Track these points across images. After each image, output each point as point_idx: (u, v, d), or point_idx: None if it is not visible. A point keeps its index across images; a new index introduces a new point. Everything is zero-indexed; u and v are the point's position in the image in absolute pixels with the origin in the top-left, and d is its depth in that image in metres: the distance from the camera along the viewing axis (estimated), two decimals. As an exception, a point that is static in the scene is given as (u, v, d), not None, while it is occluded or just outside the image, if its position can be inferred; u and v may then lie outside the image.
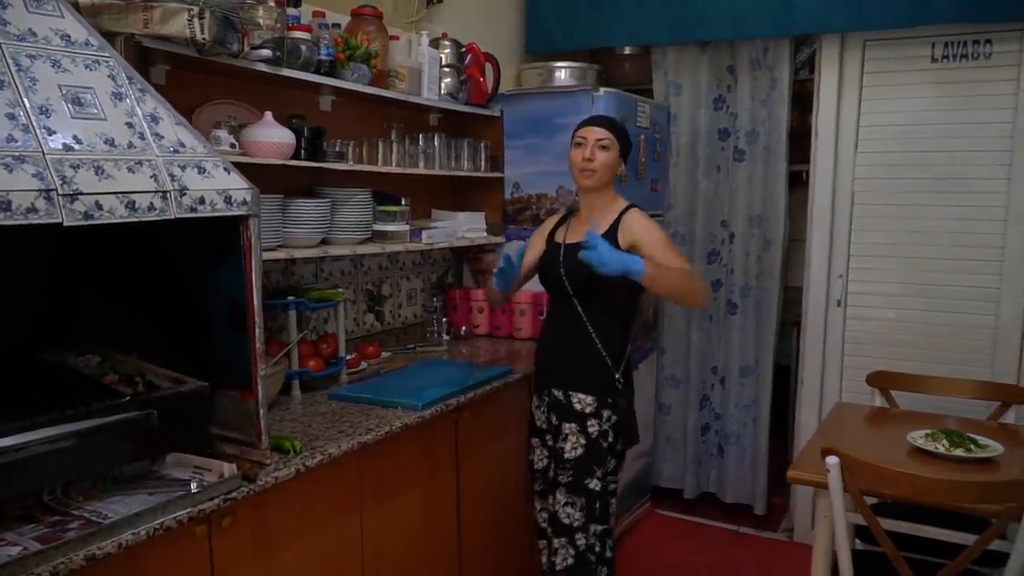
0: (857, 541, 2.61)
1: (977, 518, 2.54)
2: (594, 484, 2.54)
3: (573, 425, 2.55)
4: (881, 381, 3.10)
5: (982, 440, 2.42)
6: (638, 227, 2.57)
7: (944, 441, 2.41)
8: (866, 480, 2.14)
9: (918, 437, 2.47)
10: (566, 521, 2.55)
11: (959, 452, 2.36)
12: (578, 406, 2.55)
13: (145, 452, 1.85)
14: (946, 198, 3.52)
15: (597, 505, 2.55)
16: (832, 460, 2.16)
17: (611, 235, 2.56)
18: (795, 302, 4.16)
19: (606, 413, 2.55)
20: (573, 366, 2.59)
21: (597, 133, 2.59)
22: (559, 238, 2.72)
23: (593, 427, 2.54)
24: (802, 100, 4.17)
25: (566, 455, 2.55)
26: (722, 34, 3.77)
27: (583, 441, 2.54)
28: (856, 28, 3.49)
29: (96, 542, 1.52)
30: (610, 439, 2.56)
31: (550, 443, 2.68)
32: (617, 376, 2.57)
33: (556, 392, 2.62)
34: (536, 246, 2.80)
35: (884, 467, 2.10)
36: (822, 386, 3.85)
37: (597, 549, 2.57)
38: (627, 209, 2.63)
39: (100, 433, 1.69)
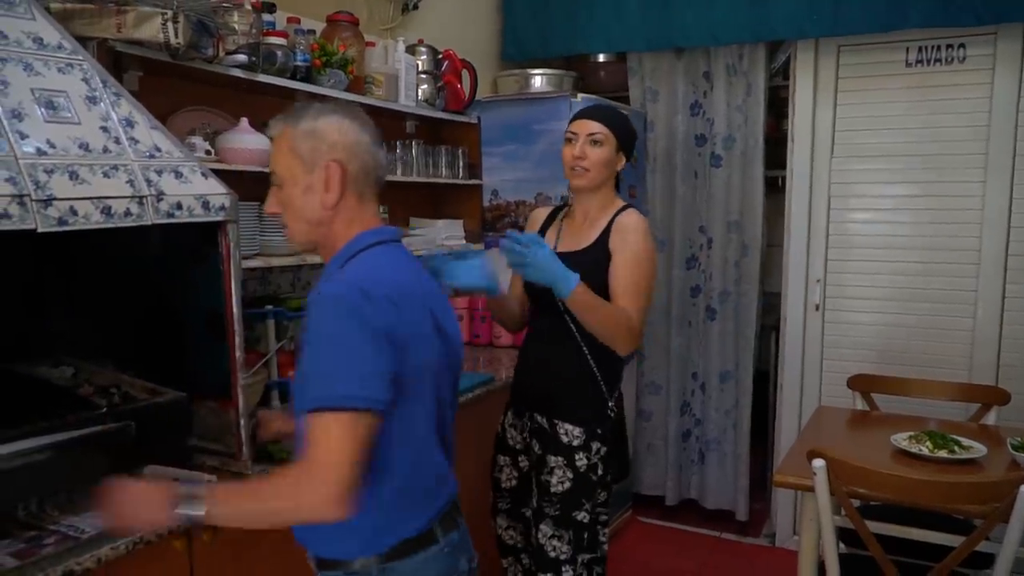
0: (841, 545, 2.60)
1: (959, 520, 2.55)
2: (582, 516, 2.32)
3: (559, 459, 2.30)
4: (862, 384, 3.11)
5: (965, 441, 2.43)
6: (625, 241, 2.27)
7: (928, 443, 2.41)
8: (852, 482, 2.13)
9: (901, 439, 2.47)
10: (552, 554, 2.33)
11: (943, 454, 2.36)
12: (565, 438, 2.30)
13: (123, 465, 1.80)
14: (922, 202, 3.55)
15: (585, 536, 2.34)
16: (818, 463, 2.15)
17: (603, 243, 2.30)
18: (773, 307, 4.17)
19: (595, 445, 2.30)
20: (562, 391, 2.32)
21: (589, 127, 2.30)
22: (549, 241, 2.40)
23: (581, 461, 2.29)
24: (776, 106, 4.19)
25: (552, 488, 2.31)
26: (699, 40, 3.77)
27: (570, 475, 2.29)
28: (831, 34, 3.50)
29: (74, 557, 1.48)
30: (600, 472, 2.32)
31: (523, 463, 2.46)
32: (610, 404, 2.34)
33: (539, 418, 2.36)
34: None
35: (870, 469, 2.10)
36: (801, 391, 3.85)
37: None
38: (621, 210, 2.35)
39: (77, 446, 1.65)
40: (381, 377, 1.33)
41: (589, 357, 2.30)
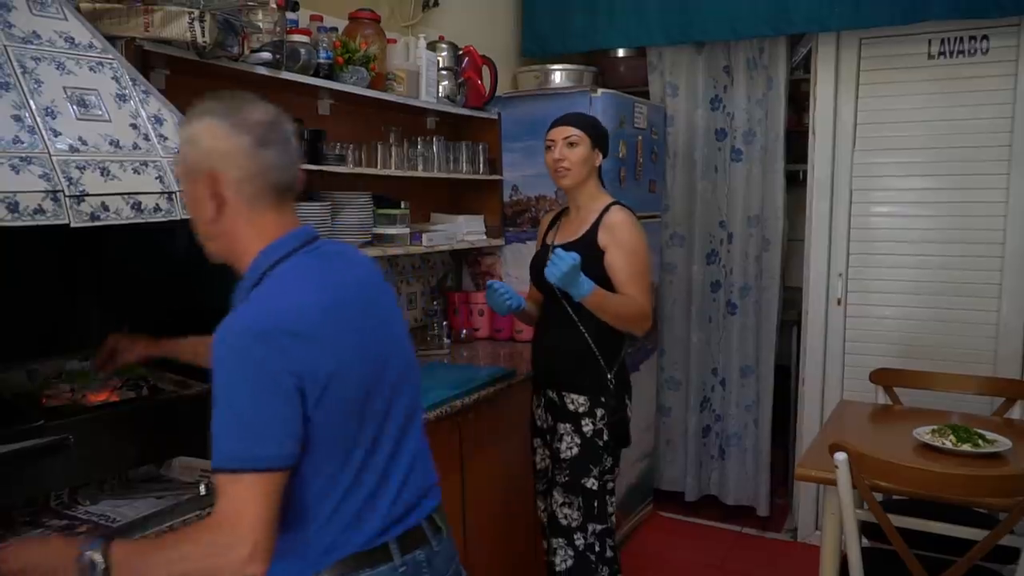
0: (863, 539, 2.60)
1: (983, 514, 2.54)
2: (591, 483, 2.55)
3: (568, 425, 2.56)
4: (884, 378, 3.09)
5: (989, 435, 2.42)
6: (614, 238, 2.53)
7: (951, 436, 2.40)
8: (875, 476, 2.13)
9: (925, 433, 2.46)
10: (564, 522, 2.58)
11: (966, 447, 2.35)
12: (571, 406, 2.56)
13: (148, 457, 1.84)
14: (945, 195, 3.53)
15: (595, 504, 2.56)
16: (840, 456, 2.15)
17: (592, 235, 2.54)
18: (793, 302, 4.16)
19: (599, 412, 2.55)
20: (565, 366, 2.58)
21: (563, 132, 2.58)
22: (550, 238, 2.72)
23: (587, 426, 2.54)
24: (797, 100, 4.18)
25: (562, 455, 2.57)
26: (719, 35, 3.76)
27: (578, 440, 2.55)
28: (852, 26, 3.49)
29: (106, 546, 1.50)
30: (605, 438, 2.56)
31: (550, 442, 2.67)
32: (609, 376, 2.56)
33: (551, 393, 2.63)
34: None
35: (893, 462, 2.09)
36: (823, 385, 3.84)
37: (597, 548, 2.59)
38: (608, 207, 2.59)
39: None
40: (284, 430, 1.24)
41: (587, 336, 2.55)
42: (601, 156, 2.64)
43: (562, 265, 2.31)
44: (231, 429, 1.22)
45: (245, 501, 1.21)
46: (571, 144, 2.57)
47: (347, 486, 1.33)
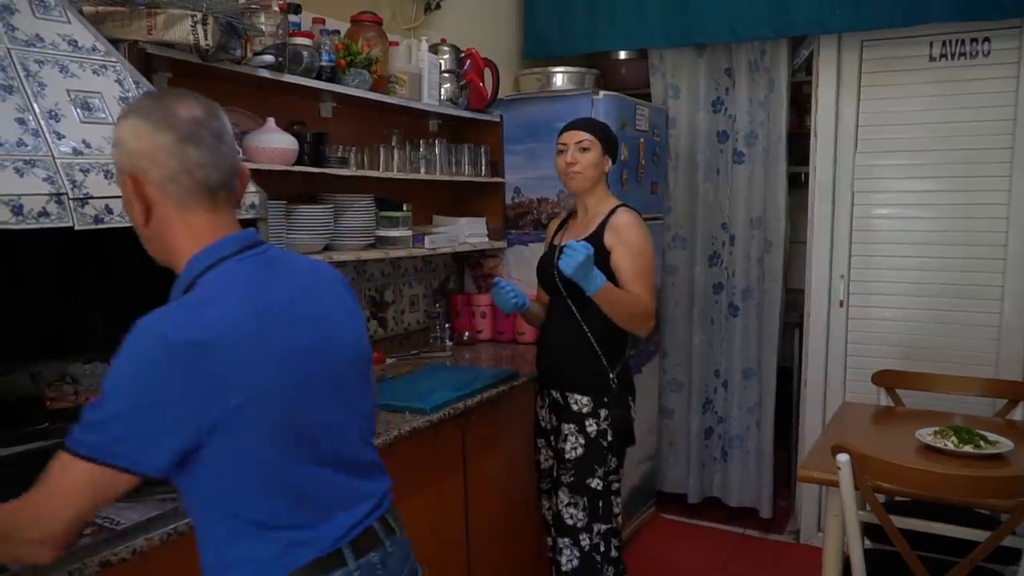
0: (866, 540, 2.59)
1: (985, 515, 2.54)
2: (595, 483, 2.58)
3: (572, 425, 2.60)
4: (887, 380, 3.09)
5: (991, 436, 2.42)
6: (621, 238, 2.57)
7: (953, 438, 2.40)
8: (877, 477, 2.13)
9: (927, 434, 2.46)
10: (569, 521, 2.61)
11: (968, 448, 2.36)
12: (575, 407, 2.59)
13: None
14: (947, 196, 3.53)
15: (600, 504, 2.59)
16: (843, 457, 2.15)
17: (599, 236, 2.58)
18: (795, 304, 4.16)
19: (603, 412, 2.58)
20: (569, 366, 2.62)
21: (576, 136, 2.63)
22: (557, 240, 2.76)
23: (591, 427, 2.57)
24: (799, 102, 4.18)
25: (566, 455, 2.60)
26: (720, 37, 3.77)
27: (582, 441, 2.58)
28: (853, 28, 3.49)
29: (110, 548, 1.50)
30: (609, 438, 2.59)
31: (554, 443, 2.70)
32: (611, 376, 2.59)
33: (554, 393, 2.68)
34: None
35: (896, 463, 2.09)
36: (825, 387, 3.84)
37: (602, 549, 2.62)
38: (615, 209, 2.64)
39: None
40: (155, 439, 1.17)
41: (590, 335, 2.58)
42: (611, 162, 2.69)
43: (576, 256, 2.34)
44: (104, 419, 1.17)
45: (77, 489, 1.16)
46: (583, 149, 2.62)
47: (297, 498, 1.31)
